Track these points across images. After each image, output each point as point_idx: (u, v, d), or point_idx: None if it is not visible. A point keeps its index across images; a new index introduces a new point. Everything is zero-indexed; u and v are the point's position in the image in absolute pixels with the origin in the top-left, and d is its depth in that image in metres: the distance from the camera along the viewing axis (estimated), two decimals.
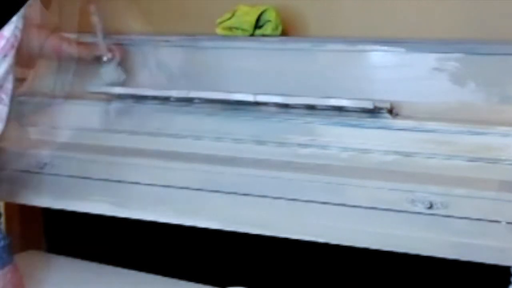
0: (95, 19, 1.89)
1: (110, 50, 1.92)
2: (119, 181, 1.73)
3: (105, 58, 1.90)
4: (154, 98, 1.83)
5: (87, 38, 1.93)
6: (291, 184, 1.57)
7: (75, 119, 1.89)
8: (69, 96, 1.93)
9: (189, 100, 1.79)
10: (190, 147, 1.76)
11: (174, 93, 1.79)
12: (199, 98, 1.77)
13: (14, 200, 1.88)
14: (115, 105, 1.87)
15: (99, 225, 2.14)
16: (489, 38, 1.78)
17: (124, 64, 1.94)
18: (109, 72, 1.91)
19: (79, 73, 1.92)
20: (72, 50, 1.88)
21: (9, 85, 1.59)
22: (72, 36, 1.93)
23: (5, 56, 1.55)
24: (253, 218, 1.61)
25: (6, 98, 1.59)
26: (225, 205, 1.63)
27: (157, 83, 1.92)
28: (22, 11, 1.59)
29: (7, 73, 1.57)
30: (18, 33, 1.59)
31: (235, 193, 1.61)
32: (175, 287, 1.99)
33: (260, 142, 1.70)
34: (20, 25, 1.59)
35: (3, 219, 1.56)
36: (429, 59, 1.68)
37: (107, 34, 1.91)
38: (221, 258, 2.12)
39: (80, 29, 1.98)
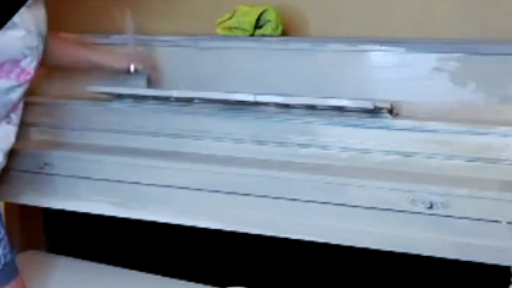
0: (129, 25, 1.85)
1: (139, 61, 1.86)
2: (119, 181, 1.73)
3: (132, 69, 1.85)
4: (154, 98, 1.82)
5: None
6: (291, 184, 1.57)
7: (75, 119, 1.89)
8: (69, 96, 1.93)
9: (189, 100, 1.79)
10: (190, 147, 1.76)
11: (174, 93, 1.79)
12: (199, 98, 1.77)
13: (14, 200, 1.88)
14: (115, 105, 1.87)
15: (99, 225, 2.15)
16: (489, 38, 1.78)
17: (151, 78, 1.90)
18: (132, 82, 1.87)
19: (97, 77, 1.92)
20: (104, 60, 1.86)
21: (21, 105, 1.60)
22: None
23: (25, 81, 1.55)
24: (253, 218, 1.61)
25: (16, 118, 1.60)
26: (225, 205, 1.63)
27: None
28: (43, 34, 1.58)
29: (23, 94, 1.58)
30: (40, 59, 1.59)
31: (235, 193, 1.61)
32: (175, 287, 1.99)
33: (260, 142, 1.70)
34: (41, 52, 1.58)
35: (3, 217, 1.55)
36: (429, 59, 1.68)
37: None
38: (221, 258, 2.12)
39: (100, 30, 1.99)
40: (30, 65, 1.55)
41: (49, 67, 1.85)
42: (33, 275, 1.82)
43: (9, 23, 1.44)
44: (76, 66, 1.90)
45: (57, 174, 1.79)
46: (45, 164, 1.79)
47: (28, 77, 1.55)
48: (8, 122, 1.58)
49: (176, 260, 2.16)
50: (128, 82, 1.90)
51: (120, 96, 1.87)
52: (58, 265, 2.07)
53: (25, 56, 1.52)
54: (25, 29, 1.50)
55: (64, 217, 2.08)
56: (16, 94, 1.56)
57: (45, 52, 1.62)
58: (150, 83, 1.90)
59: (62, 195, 1.80)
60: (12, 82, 1.53)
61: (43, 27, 1.59)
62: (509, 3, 1.81)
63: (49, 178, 1.80)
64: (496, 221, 1.40)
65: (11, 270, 1.53)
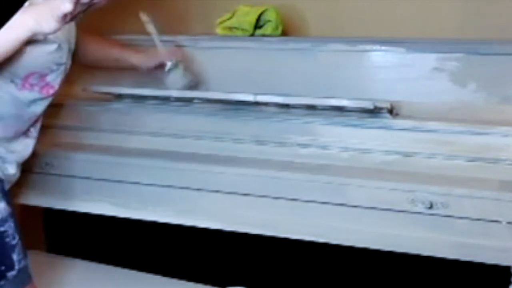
0: (150, 27, 1.82)
1: (172, 54, 1.82)
2: (119, 181, 1.73)
3: (169, 65, 1.82)
4: (154, 98, 1.83)
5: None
6: (291, 184, 1.57)
7: (75, 119, 1.89)
8: (70, 96, 1.93)
9: (189, 100, 1.79)
10: (190, 147, 1.76)
11: (174, 93, 1.79)
12: (199, 98, 1.77)
13: (14, 200, 1.87)
14: (115, 105, 1.87)
15: (99, 225, 2.15)
16: (489, 38, 1.78)
17: (189, 66, 1.85)
18: (177, 78, 1.82)
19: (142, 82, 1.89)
20: (131, 59, 1.83)
21: (41, 118, 1.60)
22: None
23: (48, 95, 1.54)
24: (253, 218, 1.61)
25: (34, 132, 1.60)
26: (225, 205, 1.63)
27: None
28: (72, 50, 1.57)
29: (46, 107, 1.57)
30: (66, 74, 1.57)
31: (235, 193, 1.61)
32: (175, 287, 1.99)
33: (260, 142, 1.70)
34: (68, 68, 1.57)
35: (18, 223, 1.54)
36: (429, 59, 1.68)
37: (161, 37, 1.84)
38: (221, 258, 2.12)
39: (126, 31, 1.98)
40: (56, 79, 1.52)
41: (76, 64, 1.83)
42: (32, 275, 1.82)
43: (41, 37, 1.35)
44: (102, 64, 1.86)
45: (57, 174, 1.79)
46: (45, 164, 1.79)
47: (52, 91, 1.53)
48: (27, 136, 1.58)
49: (176, 260, 2.16)
50: (129, 82, 1.90)
51: (120, 96, 1.87)
52: (58, 265, 2.07)
53: (51, 71, 1.49)
54: (57, 44, 1.46)
55: (64, 217, 2.08)
56: (40, 108, 1.54)
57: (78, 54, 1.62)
58: (188, 71, 1.85)
59: (62, 195, 1.80)
60: (35, 94, 1.50)
61: (73, 43, 1.57)
62: (509, 3, 1.81)
63: (49, 178, 1.80)
64: (496, 221, 1.40)
65: (25, 276, 1.52)
